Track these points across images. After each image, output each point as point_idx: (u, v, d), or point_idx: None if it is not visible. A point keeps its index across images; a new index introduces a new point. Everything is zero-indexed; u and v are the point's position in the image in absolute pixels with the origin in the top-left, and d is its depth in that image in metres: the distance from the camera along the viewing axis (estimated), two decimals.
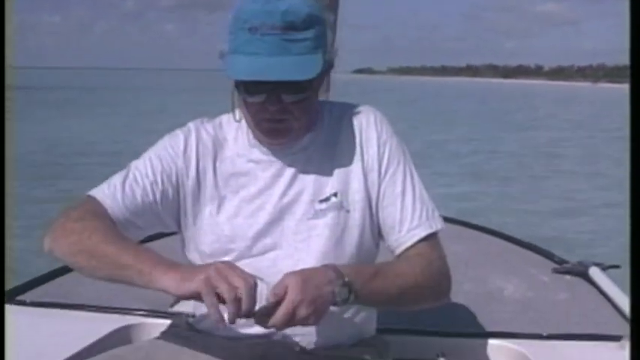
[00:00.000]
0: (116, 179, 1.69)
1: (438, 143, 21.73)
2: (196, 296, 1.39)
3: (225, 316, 1.37)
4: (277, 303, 1.43)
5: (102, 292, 2.42)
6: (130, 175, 1.69)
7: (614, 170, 15.31)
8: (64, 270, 2.78)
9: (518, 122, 34.77)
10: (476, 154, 20.20)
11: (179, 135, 1.75)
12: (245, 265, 1.65)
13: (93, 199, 1.66)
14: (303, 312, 1.42)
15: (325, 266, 1.53)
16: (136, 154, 1.77)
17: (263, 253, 1.68)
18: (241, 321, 1.40)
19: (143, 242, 2.92)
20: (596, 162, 18.90)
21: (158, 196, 1.69)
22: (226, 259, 1.67)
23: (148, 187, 1.68)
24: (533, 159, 19.33)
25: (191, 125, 1.78)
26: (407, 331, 2.22)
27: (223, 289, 1.37)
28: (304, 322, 1.44)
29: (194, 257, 1.75)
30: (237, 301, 1.37)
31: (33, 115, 27.74)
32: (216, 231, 1.69)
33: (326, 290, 1.46)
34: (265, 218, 1.68)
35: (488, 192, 13.72)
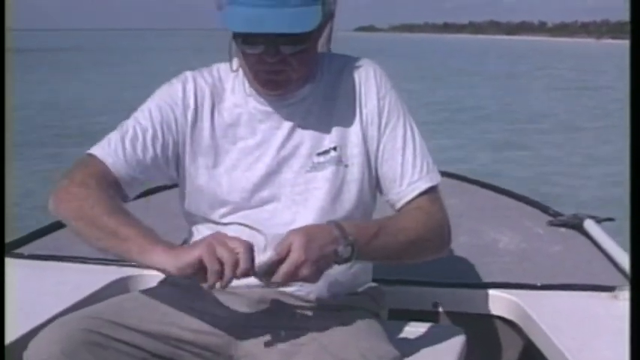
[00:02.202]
0: (116, 135, 1.70)
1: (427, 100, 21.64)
2: (194, 269, 1.42)
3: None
4: (279, 261, 1.45)
5: None
6: (130, 130, 1.70)
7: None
8: (62, 224, 2.82)
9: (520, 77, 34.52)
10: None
11: (176, 84, 1.75)
12: (243, 216, 1.68)
13: (94, 159, 1.67)
14: (305, 272, 1.45)
15: (330, 223, 1.55)
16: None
17: (261, 205, 1.70)
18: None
19: (146, 194, 2.98)
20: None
21: (159, 148, 1.70)
22: (224, 210, 1.70)
23: (149, 141, 1.69)
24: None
25: (188, 74, 1.78)
26: (402, 282, 2.26)
27: (223, 253, 1.40)
28: (304, 280, 1.47)
29: (192, 209, 1.77)
30: (237, 263, 1.41)
31: (34, 77, 27.60)
32: (213, 183, 1.71)
33: (329, 250, 1.49)
34: (263, 170, 1.70)
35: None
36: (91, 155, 1.68)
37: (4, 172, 2.19)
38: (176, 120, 1.72)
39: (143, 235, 1.51)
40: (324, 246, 1.48)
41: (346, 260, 1.52)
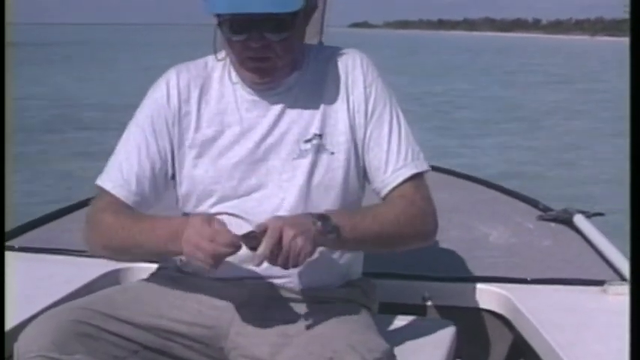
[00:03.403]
0: (114, 160, 1.74)
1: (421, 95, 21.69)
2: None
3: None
4: (263, 232, 1.47)
5: None
6: (125, 151, 1.73)
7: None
8: (52, 216, 2.82)
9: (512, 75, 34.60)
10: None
11: (160, 84, 1.77)
12: (231, 206, 1.69)
13: (104, 193, 1.72)
14: (289, 233, 1.47)
15: (302, 213, 1.59)
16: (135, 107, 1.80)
17: (248, 193, 1.70)
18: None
19: None
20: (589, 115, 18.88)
21: (157, 158, 1.73)
22: (212, 200, 1.71)
23: (144, 156, 1.72)
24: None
25: (172, 70, 1.79)
26: (393, 275, 2.25)
27: (204, 251, 1.46)
28: (296, 246, 1.48)
29: (182, 201, 1.77)
30: (218, 255, 1.46)
31: (33, 72, 27.54)
32: (200, 172, 1.71)
33: (307, 222, 1.52)
34: (250, 158, 1.70)
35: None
36: (103, 191, 1.72)
37: (4, 165, 2.18)
38: (166, 123, 1.74)
39: (160, 242, 1.59)
40: (299, 219, 1.53)
41: (328, 231, 1.54)
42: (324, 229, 1.53)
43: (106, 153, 1.80)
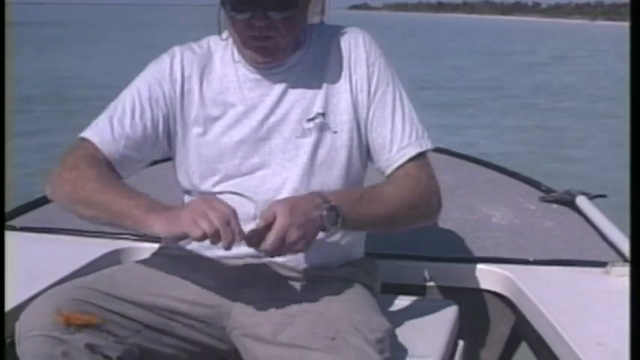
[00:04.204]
0: (105, 116, 1.71)
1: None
2: (185, 237, 1.44)
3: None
4: (267, 227, 1.46)
5: None
6: (118, 109, 1.71)
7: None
8: None
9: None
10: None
11: (164, 58, 1.76)
12: (233, 184, 1.68)
13: (86, 142, 1.68)
14: (293, 235, 1.45)
15: (311, 193, 1.56)
16: None
17: (251, 172, 1.69)
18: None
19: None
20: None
21: (149, 124, 1.70)
22: (215, 179, 1.70)
23: (137, 118, 1.70)
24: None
25: (176, 48, 1.79)
26: (395, 256, 2.25)
27: (205, 227, 1.41)
28: (294, 247, 1.48)
29: (184, 180, 1.77)
30: (218, 233, 1.41)
31: (31, 52, 27.47)
32: (203, 151, 1.71)
33: (314, 215, 1.49)
34: (253, 137, 1.69)
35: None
36: (82, 139, 1.69)
37: (4, 149, 2.17)
38: (164, 94, 1.72)
39: (135, 206, 1.52)
40: (308, 211, 1.49)
41: (332, 224, 1.52)
42: (329, 221, 1.52)
43: None
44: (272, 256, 1.51)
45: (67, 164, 1.65)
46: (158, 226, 1.46)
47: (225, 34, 1.75)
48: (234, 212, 1.45)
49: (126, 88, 1.75)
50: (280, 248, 1.47)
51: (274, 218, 1.46)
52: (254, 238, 1.47)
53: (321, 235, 1.56)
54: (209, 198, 1.51)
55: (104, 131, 1.68)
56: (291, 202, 1.50)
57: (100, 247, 2.26)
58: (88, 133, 1.70)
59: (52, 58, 26.83)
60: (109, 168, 1.67)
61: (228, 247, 1.43)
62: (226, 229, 1.41)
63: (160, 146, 1.75)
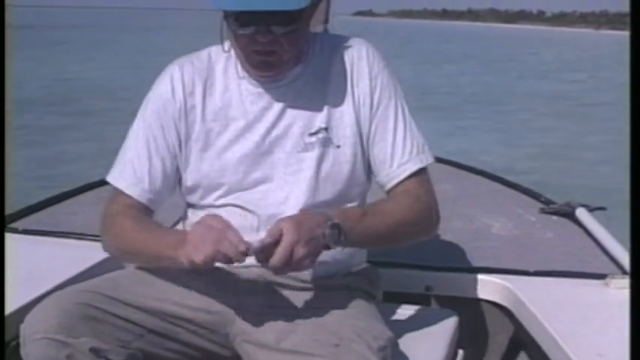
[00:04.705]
0: (125, 158, 1.75)
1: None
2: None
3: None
4: (274, 243, 1.47)
5: (94, 222, 2.45)
6: (134, 148, 1.74)
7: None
8: (56, 199, 2.83)
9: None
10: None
11: (164, 79, 1.77)
12: (236, 198, 1.69)
13: (120, 193, 1.73)
14: (300, 252, 1.47)
15: (314, 212, 1.58)
16: (141, 93, 1.82)
17: (254, 186, 1.70)
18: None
19: None
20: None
21: (166, 153, 1.74)
22: (218, 193, 1.72)
23: (154, 152, 1.73)
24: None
25: (175, 64, 1.78)
26: (395, 265, 2.26)
27: (226, 246, 1.46)
28: (300, 264, 1.49)
29: (187, 194, 1.78)
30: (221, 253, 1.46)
31: (33, 55, 27.49)
32: (205, 166, 1.72)
33: (318, 232, 1.50)
34: (255, 151, 1.70)
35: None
36: (116, 190, 1.74)
37: (4, 146, 2.19)
38: (173, 116, 1.74)
39: (165, 248, 1.59)
40: (312, 228, 1.50)
41: (335, 243, 1.53)
42: (332, 241, 1.53)
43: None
44: (278, 273, 1.53)
45: (108, 222, 1.73)
46: (184, 258, 1.51)
47: (227, 46, 1.74)
48: (229, 226, 1.49)
49: (135, 120, 1.77)
50: (287, 265, 1.48)
51: (281, 235, 1.47)
52: (261, 255, 1.48)
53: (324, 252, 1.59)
54: (203, 220, 1.53)
55: (128, 176, 1.73)
56: (297, 219, 1.51)
57: (103, 250, 2.27)
58: (113, 179, 1.75)
59: (56, 61, 26.83)
60: (142, 211, 1.72)
61: (237, 260, 1.47)
62: (230, 247, 1.46)
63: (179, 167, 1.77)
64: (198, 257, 1.46)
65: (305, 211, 1.61)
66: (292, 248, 1.46)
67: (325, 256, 1.68)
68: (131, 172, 1.73)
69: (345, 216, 1.58)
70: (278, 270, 1.49)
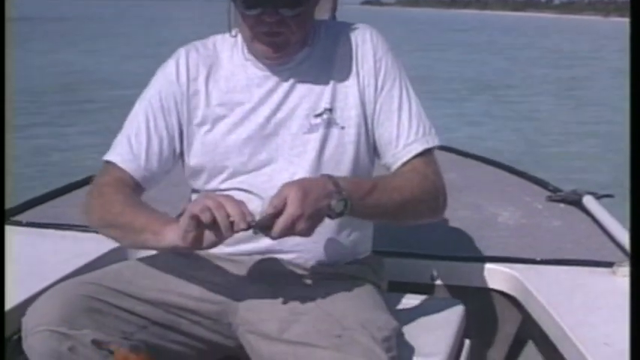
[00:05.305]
0: (123, 135, 1.75)
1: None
2: (194, 229, 1.44)
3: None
4: (276, 214, 1.45)
5: None
6: (135, 126, 1.75)
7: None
8: (58, 192, 2.83)
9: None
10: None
11: (170, 62, 1.79)
12: (241, 181, 1.70)
13: (110, 165, 1.73)
14: (301, 226, 1.45)
15: (324, 177, 1.54)
16: (144, 84, 1.82)
17: (259, 168, 1.70)
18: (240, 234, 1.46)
19: None
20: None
21: (165, 134, 1.74)
22: (222, 177, 1.72)
23: (153, 131, 1.74)
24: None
25: (181, 50, 1.80)
26: (401, 254, 2.26)
27: (212, 215, 1.42)
28: (299, 234, 1.47)
29: (191, 178, 1.79)
30: (229, 221, 1.42)
31: (35, 47, 27.53)
32: (209, 149, 1.72)
33: (324, 204, 1.48)
34: (260, 133, 1.71)
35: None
36: (109, 164, 1.74)
37: (4, 139, 2.19)
38: (175, 99, 1.75)
39: (154, 221, 1.56)
40: (318, 199, 1.47)
41: (338, 215, 1.52)
42: (335, 211, 1.50)
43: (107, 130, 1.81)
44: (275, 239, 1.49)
45: (95, 192, 1.71)
46: (172, 235, 1.49)
47: (234, 31, 1.76)
48: (240, 202, 1.45)
49: (138, 100, 1.78)
50: (286, 235, 1.47)
51: (284, 205, 1.45)
52: (262, 227, 1.46)
53: (329, 231, 1.59)
54: (212, 195, 1.50)
55: (124, 151, 1.73)
56: (304, 187, 1.47)
57: (106, 242, 2.25)
58: (110, 156, 1.74)
59: (57, 52, 26.88)
60: (133, 188, 1.71)
61: (240, 228, 1.42)
62: (234, 208, 1.42)
63: (178, 151, 1.78)
64: (185, 228, 1.44)
65: (314, 177, 1.59)
66: (294, 221, 1.44)
67: (330, 244, 1.69)
68: (127, 148, 1.73)
69: (355, 187, 1.55)
70: (276, 238, 1.47)
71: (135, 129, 1.75)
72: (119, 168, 1.72)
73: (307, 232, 1.48)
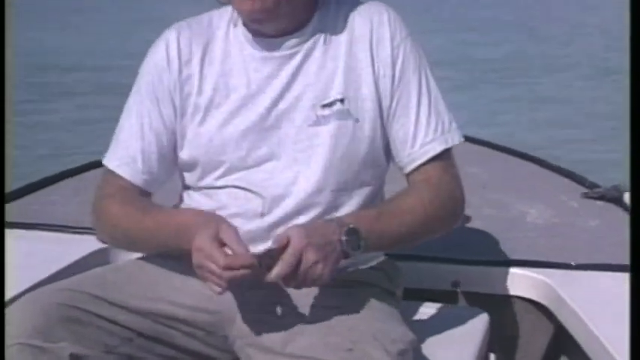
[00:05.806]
0: (119, 136, 1.75)
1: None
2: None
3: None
4: (281, 250, 1.46)
5: (73, 214, 2.42)
6: (129, 126, 1.75)
7: None
8: (33, 187, 2.80)
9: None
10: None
11: (159, 46, 1.76)
12: (238, 178, 1.68)
13: (109, 174, 1.74)
14: (310, 257, 1.46)
15: (325, 219, 1.59)
16: (134, 65, 1.82)
17: (258, 164, 1.68)
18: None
19: None
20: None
21: (162, 129, 1.73)
22: (218, 173, 1.70)
23: (147, 130, 1.73)
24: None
25: (172, 29, 1.78)
26: (419, 258, 2.24)
27: (218, 277, 1.47)
28: (313, 272, 1.48)
29: (184, 174, 1.77)
30: (233, 280, 1.47)
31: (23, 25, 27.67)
32: (203, 142, 1.69)
33: (333, 238, 1.50)
34: (260, 125, 1.67)
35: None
36: (110, 172, 1.74)
37: (4, 136, 2.17)
38: (168, 87, 1.73)
39: (168, 234, 1.62)
40: (326, 234, 1.50)
41: (355, 249, 1.53)
42: (350, 247, 1.52)
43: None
44: (289, 286, 1.52)
45: (97, 209, 1.74)
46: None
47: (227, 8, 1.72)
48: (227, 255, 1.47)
49: (130, 94, 1.77)
50: (295, 275, 1.47)
51: (288, 241, 1.47)
52: (264, 262, 1.46)
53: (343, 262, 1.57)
54: (217, 240, 1.51)
55: (121, 154, 1.73)
56: (307, 226, 1.53)
57: (86, 244, 2.22)
58: (107, 161, 1.75)
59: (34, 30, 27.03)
60: (135, 194, 1.72)
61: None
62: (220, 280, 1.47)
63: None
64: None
65: (315, 222, 1.60)
66: (300, 254, 1.45)
67: None
68: (124, 151, 1.73)
69: (358, 218, 1.58)
70: (286, 282, 1.49)
71: (129, 127, 1.74)
72: (118, 176, 1.73)
73: (322, 270, 1.49)
